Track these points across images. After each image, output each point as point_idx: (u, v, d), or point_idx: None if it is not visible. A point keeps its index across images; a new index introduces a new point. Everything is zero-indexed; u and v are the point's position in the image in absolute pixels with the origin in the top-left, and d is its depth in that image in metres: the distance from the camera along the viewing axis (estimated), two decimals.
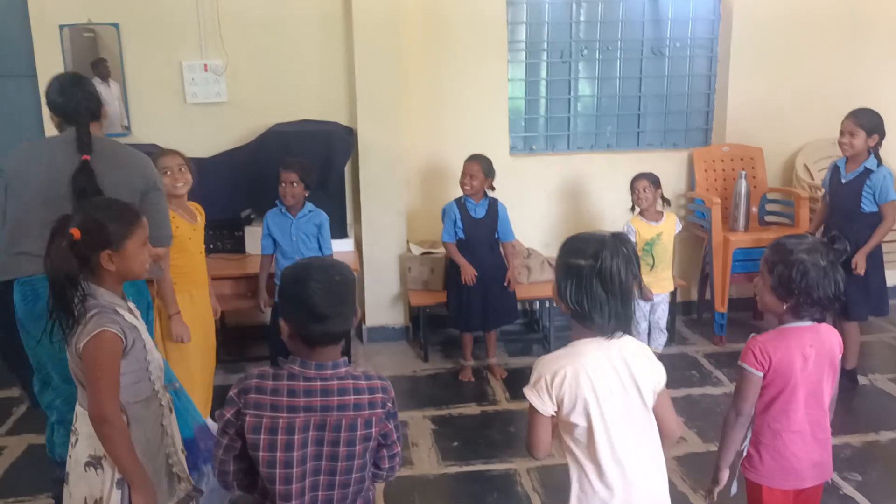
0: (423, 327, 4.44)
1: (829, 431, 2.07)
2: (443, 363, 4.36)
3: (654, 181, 3.95)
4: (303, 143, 4.14)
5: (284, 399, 1.58)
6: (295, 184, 3.65)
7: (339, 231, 4.35)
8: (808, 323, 1.98)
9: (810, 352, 1.96)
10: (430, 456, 3.30)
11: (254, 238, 4.24)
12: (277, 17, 4.40)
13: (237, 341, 4.67)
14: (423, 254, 4.52)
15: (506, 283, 4.08)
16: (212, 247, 4.18)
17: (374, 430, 1.62)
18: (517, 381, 4.09)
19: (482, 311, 4.05)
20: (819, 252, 1.91)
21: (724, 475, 2.04)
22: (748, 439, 2.03)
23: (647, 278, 3.99)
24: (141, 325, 1.95)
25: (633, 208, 4.07)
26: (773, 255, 1.99)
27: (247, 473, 1.66)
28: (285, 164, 3.67)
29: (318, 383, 1.59)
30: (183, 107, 4.45)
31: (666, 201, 4.08)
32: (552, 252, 4.88)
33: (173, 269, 3.12)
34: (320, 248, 3.78)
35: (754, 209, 4.74)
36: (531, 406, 1.75)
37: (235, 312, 4.64)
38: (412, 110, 4.62)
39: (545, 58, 4.85)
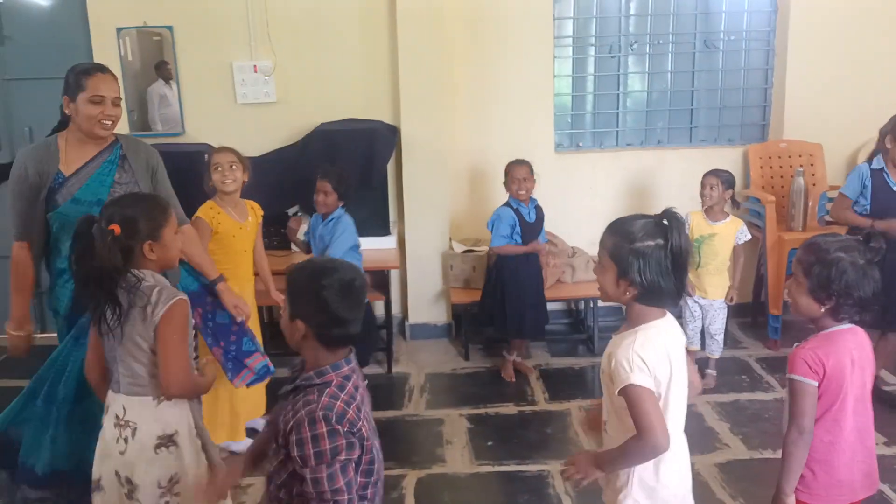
0: (464, 325, 4.43)
1: (874, 438, 1.97)
2: (483, 362, 4.34)
3: (726, 180, 3.79)
4: (346, 141, 4.19)
5: (359, 394, 1.67)
6: (328, 193, 3.61)
7: (382, 229, 4.39)
8: (848, 325, 1.88)
9: (855, 355, 1.87)
10: (464, 455, 3.29)
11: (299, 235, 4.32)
12: (322, 16, 4.46)
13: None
14: (466, 251, 4.50)
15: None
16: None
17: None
18: (557, 382, 4.04)
19: (531, 317, 4.01)
20: (856, 250, 1.82)
21: (791, 501, 1.90)
22: None
23: (690, 277, 3.89)
24: None
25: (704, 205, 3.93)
26: (807, 256, 1.88)
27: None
28: (323, 173, 3.63)
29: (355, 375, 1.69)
30: (234, 107, 4.56)
31: (736, 204, 3.94)
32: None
33: (217, 266, 3.21)
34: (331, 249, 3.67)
35: (813, 208, 4.55)
36: (636, 391, 1.65)
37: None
38: (456, 108, 4.61)
39: (593, 53, 4.76)
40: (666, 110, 4.85)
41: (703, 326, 3.92)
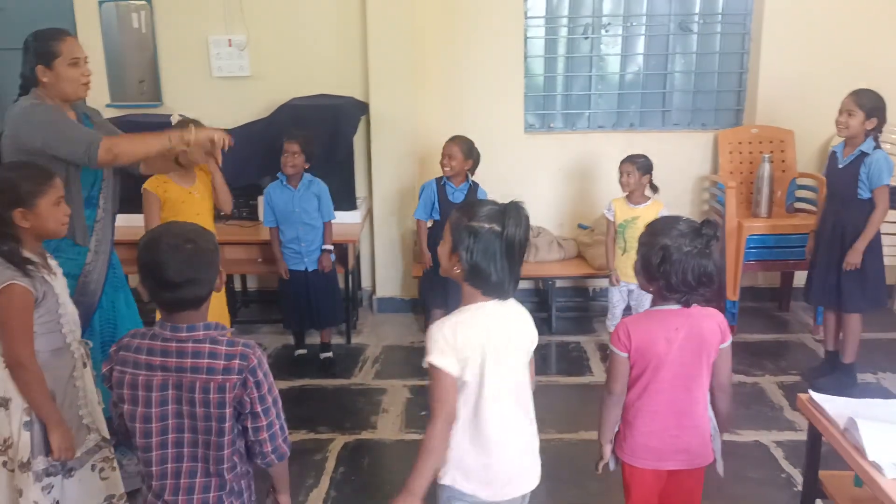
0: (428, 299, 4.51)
1: (705, 419, 2.02)
2: None
3: (642, 166, 3.83)
4: (311, 116, 4.28)
5: (143, 357, 1.64)
6: (296, 154, 3.77)
7: (348, 203, 4.48)
8: (675, 306, 1.93)
9: (676, 335, 1.92)
10: (395, 423, 3.39)
11: None
12: None
13: (256, 304, 4.94)
14: (430, 228, 4.57)
15: None
16: (227, 214, 4.39)
17: (227, 395, 1.63)
18: None
19: (454, 292, 4.01)
20: (686, 237, 1.87)
21: (607, 450, 2.08)
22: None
23: (618, 262, 3.95)
24: (58, 282, 2.12)
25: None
26: (642, 237, 1.98)
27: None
28: (289, 135, 3.81)
29: (174, 345, 1.63)
30: (210, 80, 4.68)
31: (654, 188, 3.95)
32: (563, 232, 4.87)
33: None
34: (322, 215, 3.90)
35: (781, 194, 4.52)
36: (433, 371, 1.73)
37: (254, 277, 4.92)
38: (427, 85, 4.66)
39: (565, 34, 4.76)
40: (639, 93, 4.84)
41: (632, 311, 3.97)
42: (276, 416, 1.71)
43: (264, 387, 1.67)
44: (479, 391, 1.74)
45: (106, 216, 2.70)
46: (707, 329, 1.95)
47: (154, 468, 1.66)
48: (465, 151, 3.84)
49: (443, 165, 3.89)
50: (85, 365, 2.20)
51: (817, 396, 1.97)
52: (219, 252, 1.70)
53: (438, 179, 3.99)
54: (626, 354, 1.95)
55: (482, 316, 1.75)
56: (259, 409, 1.66)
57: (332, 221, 3.97)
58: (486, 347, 1.73)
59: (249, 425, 1.67)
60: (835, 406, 1.88)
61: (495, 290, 1.75)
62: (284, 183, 3.86)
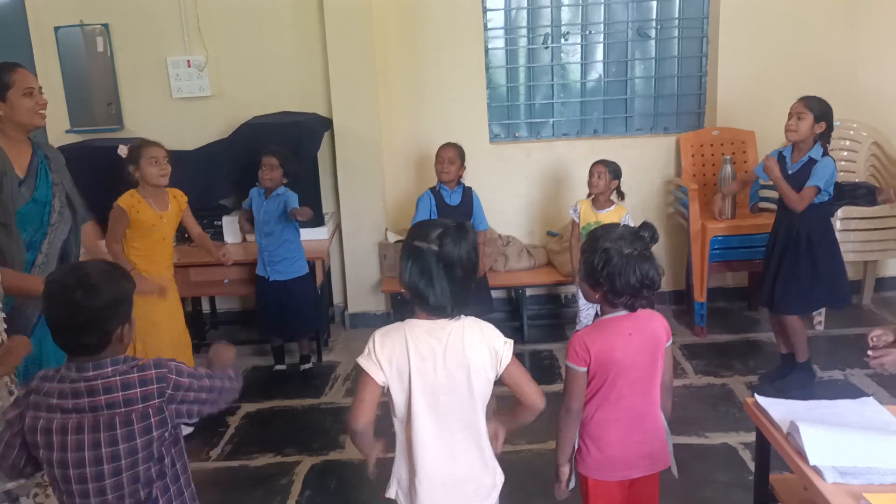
0: (395, 314, 4.51)
1: (661, 421, 2.03)
2: None
3: (613, 170, 3.85)
4: (272, 134, 4.24)
5: (55, 401, 1.59)
6: (275, 168, 3.85)
7: (315, 220, 4.43)
8: (622, 312, 1.94)
9: (630, 340, 1.92)
10: None
11: (232, 226, 4.42)
12: (253, 9, 4.54)
13: (224, 326, 4.90)
14: (398, 241, 4.57)
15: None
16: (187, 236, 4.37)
17: (152, 420, 1.61)
18: None
19: None
20: (624, 240, 1.88)
21: (564, 471, 2.03)
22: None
23: (578, 265, 3.96)
24: None
25: (590, 193, 3.99)
26: (584, 244, 2.00)
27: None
28: (267, 150, 3.88)
29: (82, 384, 1.59)
30: (169, 101, 4.65)
31: (621, 194, 3.97)
32: (533, 240, 4.88)
33: (134, 252, 3.35)
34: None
35: (745, 196, 4.56)
36: (360, 373, 1.76)
37: (222, 298, 4.89)
38: (390, 99, 4.67)
39: (525, 44, 4.79)
40: (601, 100, 4.86)
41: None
42: (220, 391, 1.75)
43: (194, 386, 1.69)
44: (406, 406, 1.74)
45: (48, 262, 2.66)
46: (657, 329, 1.96)
47: None
48: (460, 156, 4.00)
49: (441, 172, 3.97)
50: (12, 393, 2.15)
51: (762, 400, 1.97)
52: (124, 302, 1.64)
53: (432, 188, 4.06)
54: (584, 369, 1.93)
55: (410, 335, 1.73)
56: (203, 400, 1.71)
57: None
58: (412, 366, 1.71)
59: (206, 412, 1.73)
60: (779, 409, 1.89)
61: (436, 311, 1.73)
62: (260, 192, 3.94)
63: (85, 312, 1.57)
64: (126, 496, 1.63)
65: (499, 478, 1.86)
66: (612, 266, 1.86)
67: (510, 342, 1.79)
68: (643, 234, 1.88)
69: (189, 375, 1.68)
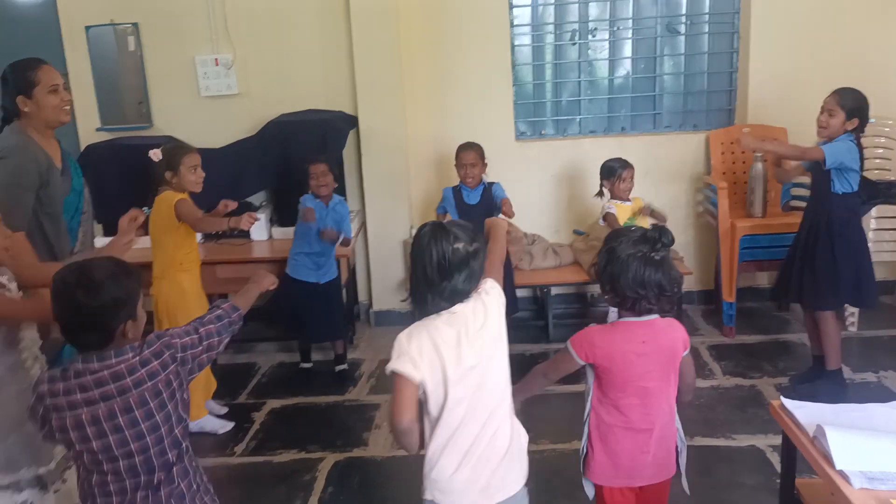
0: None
1: (673, 432, 1.99)
2: None
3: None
4: (299, 132, 4.28)
5: (78, 396, 1.63)
6: (326, 174, 3.82)
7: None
8: (639, 318, 1.91)
9: (644, 348, 1.88)
10: (388, 439, 3.36)
11: (258, 224, 4.43)
12: (280, 9, 4.56)
13: (250, 322, 4.92)
14: None
15: None
16: (219, 232, 4.40)
17: (174, 384, 1.70)
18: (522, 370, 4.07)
19: None
20: (631, 240, 1.86)
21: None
22: (584, 439, 1.99)
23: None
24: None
25: (599, 193, 3.99)
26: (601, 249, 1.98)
27: None
28: (311, 159, 3.83)
29: (106, 373, 1.63)
30: (197, 100, 4.70)
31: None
32: (559, 239, 4.84)
33: (188, 255, 3.41)
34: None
35: (775, 194, 4.47)
36: (395, 377, 1.75)
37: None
38: (415, 97, 4.66)
39: (552, 40, 4.75)
40: (629, 97, 4.80)
41: None
42: (218, 333, 1.83)
43: (195, 342, 1.77)
44: (443, 398, 1.74)
45: (83, 249, 2.73)
46: (673, 340, 1.92)
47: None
48: (481, 156, 4.03)
49: (464, 176, 3.98)
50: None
51: (788, 402, 1.92)
52: (126, 301, 1.66)
53: (454, 186, 4.09)
54: (582, 362, 1.92)
55: (432, 330, 1.74)
56: (206, 347, 1.79)
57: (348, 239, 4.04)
58: (446, 359, 1.72)
59: (212, 358, 1.84)
60: (805, 413, 1.84)
61: (434, 309, 1.76)
62: (315, 199, 3.87)
63: (84, 311, 1.62)
64: (168, 454, 1.71)
65: (524, 438, 1.89)
66: (614, 264, 1.85)
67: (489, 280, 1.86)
68: (651, 235, 1.84)
69: (185, 334, 1.77)
